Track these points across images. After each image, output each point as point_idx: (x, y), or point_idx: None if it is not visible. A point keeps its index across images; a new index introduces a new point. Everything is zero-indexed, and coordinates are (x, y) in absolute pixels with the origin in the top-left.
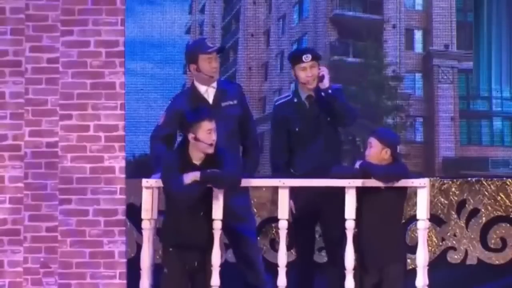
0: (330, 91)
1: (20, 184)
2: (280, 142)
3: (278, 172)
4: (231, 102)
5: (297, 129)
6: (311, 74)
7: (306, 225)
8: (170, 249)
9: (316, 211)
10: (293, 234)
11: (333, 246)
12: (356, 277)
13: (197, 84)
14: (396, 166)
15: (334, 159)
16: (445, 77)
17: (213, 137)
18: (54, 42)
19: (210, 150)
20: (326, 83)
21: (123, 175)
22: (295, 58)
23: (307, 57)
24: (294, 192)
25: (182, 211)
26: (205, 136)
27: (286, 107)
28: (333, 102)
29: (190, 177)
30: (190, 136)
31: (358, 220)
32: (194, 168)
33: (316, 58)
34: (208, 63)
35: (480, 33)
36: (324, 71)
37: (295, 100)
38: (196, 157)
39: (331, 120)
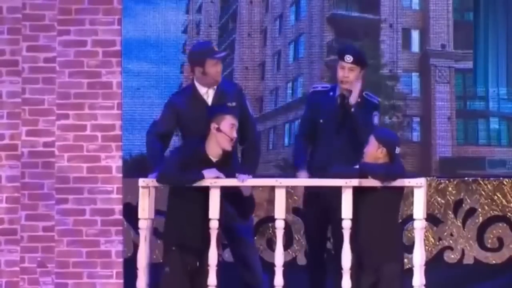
0: (353, 109)
1: (17, 184)
2: (302, 129)
3: (295, 156)
4: (230, 104)
5: (321, 121)
6: (348, 75)
7: (316, 225)
8: (173, 248)
9: (326, 210)
10: (305, 235)
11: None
12: (352, 276)
13: (197, 84)
14: (394, 166)
15: (349, 161)
16: (442, 76)
17: (235, 134)
18: (51, 41)
19: (229, 147)
20: (351, 100)
21: (120, 175)
22: (340, 54)
23: (348, 58)
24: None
25: (185, 211)
26: (228, 129)
27: (320, 95)
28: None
29: (213, 174)
30: (213, 126)
31: (355, 219)
32: (210, 164)
33: (358, 63)
34: (215, 68)
35: (478, 32)
36: (355, 87)
37: (330, 93)
38: (214, 153)
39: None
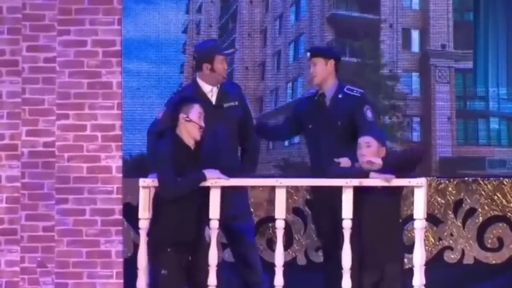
0: (327, 104)
1: (17, 184)
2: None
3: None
4: (232, 103)
5: (310, 126)
6: (312, 70)
7: (325, 226)
8: (168, 250)
9: (330, 209)
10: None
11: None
12: (353, 276)
13: (201, 83)
14: (404, 152)
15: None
16: (442, 76)
17: (203, 122)
18: (51, 41)
19: (198, 136)
20: (327, 95)
21: (120, 175)
22: None
23: (308, 55)
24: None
25: (175, 208)
26: (196, 118)
27: (305, 102)
28: None
29: (215, 175)
30: (181, 116)
31: (357, 220)
32: (189, 151)
33: (317, 54)
34: (223, 65)
35: (478, 32)
36: (327, 81)
37: (315, 98)
38: (189, 143)
39: (341, 124)
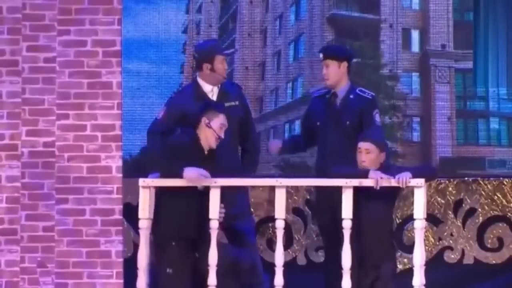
0: (338, 105)
1: (17, 184)
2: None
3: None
4: (233, 103)
5: (318, 123)
6: (325, 72)
7: (328, 225)
8: (173, 243)
9: (332, 208)
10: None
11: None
12: (352, 276)
13: (202, 83)
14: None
15: (345, 159)
16: (442, 76)
17: (223, 134)
18: (51, 41)
19: (214, 145)
20: (339, 96)
21: (120, 175)
22: None
23: (321, 56)
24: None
25: (176, 204)
26: (217, 127)
27: (317, 100)
28: None
29: (193, 175)
30: (204, 120)
31: (357, 219)
32: (202, 155)
33: (330, 57)
34: (223, 65)
35: (478, 32)
36: (340, 82)
37: (327, 96)
38: (205, 146)
39: (350, 124)
